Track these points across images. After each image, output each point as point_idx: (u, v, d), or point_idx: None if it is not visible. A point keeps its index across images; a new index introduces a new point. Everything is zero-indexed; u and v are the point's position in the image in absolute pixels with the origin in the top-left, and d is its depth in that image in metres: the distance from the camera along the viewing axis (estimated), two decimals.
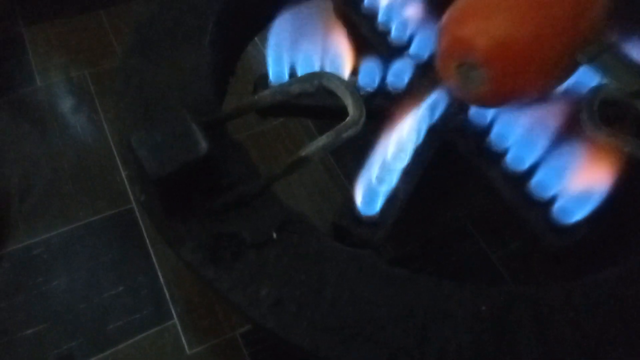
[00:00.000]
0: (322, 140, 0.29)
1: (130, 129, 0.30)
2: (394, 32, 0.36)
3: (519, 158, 0.30)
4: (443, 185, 0.41)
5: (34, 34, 0.55)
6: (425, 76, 0.34)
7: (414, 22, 0.36)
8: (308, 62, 0.33)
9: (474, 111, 0.32)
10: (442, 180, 0.40)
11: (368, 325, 0.24)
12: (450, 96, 0.32)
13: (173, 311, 0.38)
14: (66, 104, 0.50)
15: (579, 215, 0.28)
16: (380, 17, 0.37)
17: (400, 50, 0.36)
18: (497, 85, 0.28)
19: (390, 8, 0.37)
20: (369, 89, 0.34)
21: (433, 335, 0.24)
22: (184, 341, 0.37)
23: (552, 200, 0.29)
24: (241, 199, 0.27)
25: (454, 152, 0.33)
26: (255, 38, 0.42)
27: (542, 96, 0.30)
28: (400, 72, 0.34)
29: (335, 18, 0.39)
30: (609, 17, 0.29)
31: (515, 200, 0.30)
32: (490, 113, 0.32)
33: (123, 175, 0.45)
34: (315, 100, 0.33)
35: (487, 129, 0.32)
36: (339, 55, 0.33)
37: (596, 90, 0.30)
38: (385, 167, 0.30)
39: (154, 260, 0.41)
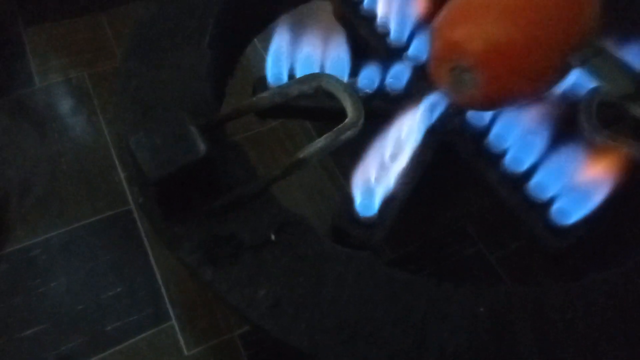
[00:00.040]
0: (320, 142, 0.29)
1: (129, 130, 0.30)
2: (392, 34, 0.36)
3: (517, 159, 0.30)
4: (441, 187, 0.41)
5: (33, 35, 0.55)
6: (424, 78, 0.34)
7: (412, 24, 0.36)
8: (307, 63, 0.33)
9: (472, 113, 0.33)
10: (441, 182, 0.40)
11: (366, 327, 0.24)
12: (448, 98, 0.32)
13: (171, 312, 0.38)
14: (65, 105, 0.50)
15: (577, 216, 0.29)
16: (379, 19, 0.37)
17: (399, 51, 0.36)
18: (490, 88, 0.28)
19: (388, 10, 0.37)
20: (368, 91, 0.34)
21: (431, 336, 0.24)
22: (182, 342, 0.37)
23: (550, 201, 0.29)
24: (239, 200, 0.27)
25: (452, 153, 0.33)
26: (255, 39, 0.42)
27: (535, 99, 0.30)
28: (399, 74, 0.34)
29: (334, 19, 0.39)
30: (601, 20, 0.28)
31: (513, 202, 0.30)
32: (488, 114, 0.32)
33: (122, 176, 0.45)
34: (314, 102, 0.33)
35: (486, 131, 0.32)
36: (337, 56, 0.33)
37: (594, 92, 0.30)
38: (383, 169, 0.30)
39: (153, 261, 0.41)
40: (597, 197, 0.28)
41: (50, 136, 0.48)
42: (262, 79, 0.34)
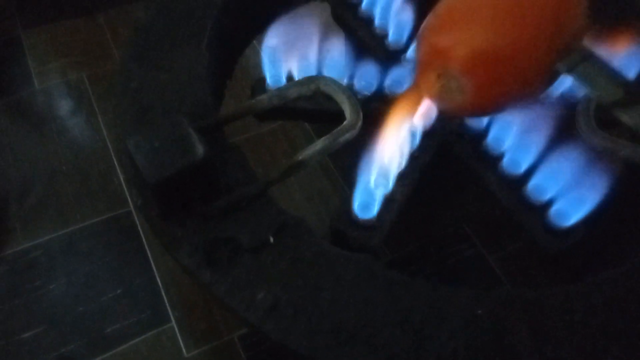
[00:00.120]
0: (319, 144, 0.29)
1: (128, 132, 0.30)
2: (390, 36, 0.37)
3: (515, 162, 0.30)
4: (440, 189, 0.41)
5: (32, 36, 0.55)
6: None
7: (410, 26, 0.36)
8: (305, 65, 0.33)
9: None
10: (440, 184, 0.40)
11: (365, 329, 0.24)
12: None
13: (171, 314, 0.38)
14: (64, 107, 0.50)
15: (575, 218, 0.29)
16: (377, 21, 0.37)
17: (397, 54, 0.36)
18: (476, 95, 0.28)
19: (386, 12, 0.37)
20: (366, 93, 0.34)
21: (429, 339, 0.24)
22: (181, 344, 0.37)
23: (548, 203, 0.29)
24: (238, 203, 0.27)
25: (451, 155, 0.33)
26: (254, 41, 0.42)
27: (523, 105, 0.30)
28: (398, 76, 0.34)
29: (333, 22, 0.39)
30: (589, 25, 0.28)
31: (512, 204, 0.30)
32: (486, 117, 0.32)
33: (121, 178, 0.45)
34: (313, 104, 0.33)
35: (484, 133, 0.32)
36: (336, 59, 0.34)
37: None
38: (382, 171, 0.30)
39: (152, 263, 0.41)
40: (595, 200, 0.28)
41: (49, 137, 0.48)
42: (261, 81, 0.34)
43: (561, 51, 0.28)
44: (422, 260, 0.40)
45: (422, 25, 0.30)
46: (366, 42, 0.38)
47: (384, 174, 0.30)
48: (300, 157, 0.28)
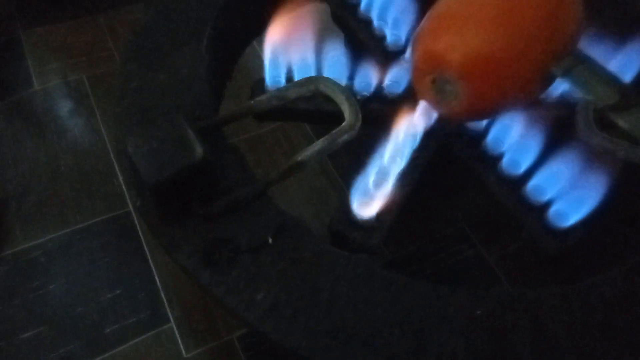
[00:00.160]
0: (318, 145, 0.29)
1: (127, 133, 0.30)
2: (389, 37, 0.37)
3: (515, 162, 0.30)
4: (440, 189, 0.41)
5: (32, 37, 0.55)
6: None
7: (409, 27, 0.36)
8: (305, 66, 0.33)
9: None
10: (439, 184, 0.40)
11: (364, 330, 0.24)
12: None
13: (170, 314, 0.38)
14: (64, 108, 0.50)
15: (574, 218, 0.29)
16: (376, 22, 0.37)
17: (396, 54, 0.36)
18: (472, 100, 0.28)
19: (385, 13, 0.37)
20: (366, 93, 0.34)
21: (429, 339, 0.24)
22: (181, 344, 0.37)
23: (548, 203, 0.29)
24: (237, 203, 0.27)
25: (450, 155, 0.33)
26: (254, 42, 0.42)
27: (518, 109, 0.30)
28: (397, 77, 0.34)
29: (332, 23, 0.39)
30: (584, 28, 0.28)
31: (512, 204, 0.30)
32: (482, 121, 0.32)
33: (120, 178, 0.45)
34: (312, 104, 0.33)
35: (483, 133, 0.32)
36: (335, 59, 0.34)
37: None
38: (381, 171, 0.30)
39: (151, 263, 0.41)
40: (594, 200, 0.28)
41: (49, 138, 0.48)
42: (261, 81, 0.34)
43: (556, 54, 0.28)
44: (422, 260, 0.40)
45: (417, 30, 0.30)
46: (365, 42, 0.38)
47: (383, 174, 0.30)
48: (299, 158, 0.28)
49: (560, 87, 0.31)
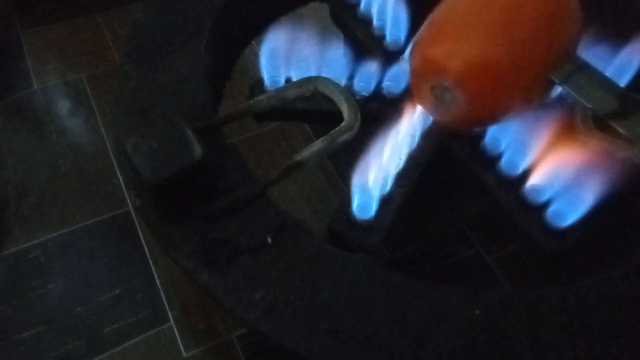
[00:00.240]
0: (317, 145, 0.29)
1: (126, 133, 0.30)
2: (389, 37, 0.37)
3: (513, 162, 0.30)
4: (438, 189, 0.41)
5: (31, 37, 0.55)
6: None
7: (408, 27, 0.36)
8: (304, 66, 0.33)
9: None
10: (438, 184, 0.40)
11: (363, 329, 0.24)
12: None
13: (169, 314, 0.38)
14: (63, 107, 0.50)
15: (573, 218, 0.29)
16: (376, 22, 0.37)
17: (395, 54, 0.36)
18: (471, 107, 0.28)
19: (384, 13, 0.37)
20: (365, 93, 0.34)
21: (427, 339, 0.24)
22: (180, 344, 0.37)
23: (546, 204, 0.29)
24: (236, 203, 0.27)
25: (449, 156, 0.33)
26: (253, 42, 0.42)
27: (517, 116, 0.30)
28: (396, 77, 0.34)
29: (332, 23, 0.39)
30: (583, 34, 0.28)
31: (510, 204, 0.30)
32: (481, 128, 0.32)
33: (120, 178, 0.45)
34: (311, 104, 0.33)
35: (482, 133, 0.32)
36: (335, 59, 0.34)
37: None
38: (380, 171, 0.30)
39: (151, 263, 0.41)
40: (593, 200, 0.28)
41: (48, 138, 0.48)
42: (260, 81, 0.34)
43: (555, 62, 0.28)
44: (421, 260, 0.40)
45: (415, 37, 0.29)
46: (365, 42, 0.38)
47: (382, 175, 0.30)
48: (298, 158, 0.28)
49: (558, 87, 0.31)
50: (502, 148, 0.31)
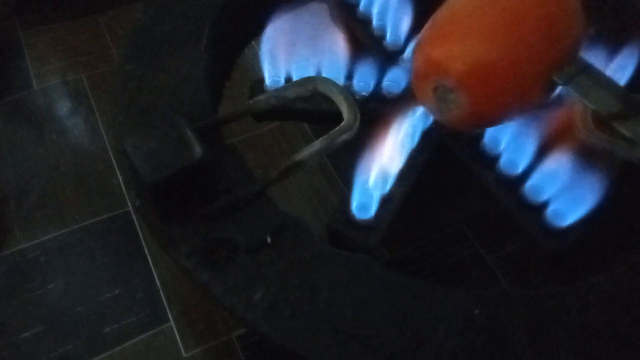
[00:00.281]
0: (316, 145, 0.29)
1: (125, 133, 0.30)
2: (388, 37, 0.37)
3: (512, 162, 0.30)
4: (438, 189, 0.41)
5: (31, 37, 0.55)
6: None
7: (408, 26, 0.36)
8: (304, 66, 0.33)
9: None
10: (437, 184, 0.40)
11: (363, 329, 0.24)
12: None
13: (169, 314, 0.38)
14: (63, 107, 0.50)
15: (572, 218, 0.29)
16: (375, 22, 0.37)
17: (395, 54, 0.36)
18: (473, 108, 0.28)
19: (384, 12, 0.37)
20: (364, 93, 0.34)
21: (427, 339, 0.24)
22: (180, 344, 0.37)
23: (546, 203, 0.29)
24: (236, 203, 0.27)
25: (448, 155, 0.33)
26: (253, 42, 0.42)
27: (520, 117, 0.30)
28: (396, 77, 0.34)
29: (331, 22, 0.39)
30: (586, 35, 0.28)
31: (510, 204, 0.30)
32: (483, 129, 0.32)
33: (120, 178, 0.45)
34: (311, 104, 0.33)
35: (481, 133, 0.32)
36: (334, 59, 0.34)
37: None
38: (380, 171, 0.30)
39: (151, 263, 0.41)
40: (592, 199, 0.28)
41: (48, 138, 0.48)
42: (260, 81, 0.34)
43: (558, 63, 0.27)
44: (421, 260, 0.40)
45: (418, 38, 0.29)
46: (364, 42, 0.38)
47: (382, 174, 0.30)
48: (298, 158, 0.28)
49: (558, 88, 0.31)
50: (501, 148, 0.31)
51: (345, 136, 0.29)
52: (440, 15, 0.29)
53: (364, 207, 0.29)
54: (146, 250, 0.41)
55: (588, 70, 0.28)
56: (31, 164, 0.46)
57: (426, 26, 0.29)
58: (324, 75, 0.33)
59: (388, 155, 0.30)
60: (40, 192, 0.44)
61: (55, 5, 0.57)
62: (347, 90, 0.31)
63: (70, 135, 0.48)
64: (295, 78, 0.33)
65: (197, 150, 0.25)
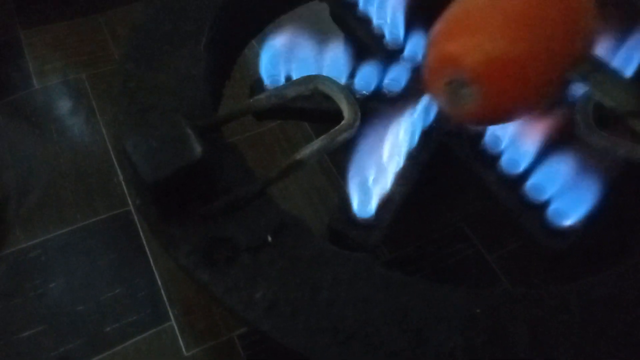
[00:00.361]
0: (317, 144, 0.29)
1: (126, 133, 0.30)
2: (388, 35, 0.37)
3: (513, 161, 0.30)
4: (439, 188, 0.41)
5: (31, 36, 0.55)
6: (420, 79, 0.34)
7: (407, 25, 0.36)
8: (304, 65, 0.33)
9: None
10: (438, 183, 0.40)
11: (363, 328, 0.24)
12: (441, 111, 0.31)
13: (170, 313, 0.38)
14: (63, 107, 0.50)
15: (574, 217, 0.29)
16: (375, 21, 0.37)
17: (396, 53, 0.36)
18: (488, 103, 0.27)
19: (383, 11, 0.37)
20: (365, 92, 0.34)
21: (428, 338, 0.24)
22: (181, 343, 0.37)
23: (547, 202, 0.29)
24: (236, 202, 0.27)
25: (449, 154, 0.33)
26: (253, 41, 0.42)
27: (533, 114, 0.29)
28: (396, 75, 0.34)
29: (332, 21, 0.39)
30: (599, 32, 0.28)
31: (511, 203, 0.30)
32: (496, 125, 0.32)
33: (120, 177, 0.45)
34: (311, 103, 0.33)
35: (482, 132, 0.32)
36: (335, 58, 0.34)
37: (590, 93, 0.30)
38: (380, 170, 0.30)
39: (152, 262, 0.41)
40: (594, 199, 0.28)
41: (48, 137, 0.48)
42: (260, 80, 0.34)
43: (574, 58, 0.27)
44: (421, 259, 0.40)
45: (432, 31, 0.29)
46: (365, 41, 0.38)
47: (382, 174, 0.30)
48: (298, 157, 0.28)
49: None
50: (502, 147, 0.31)
51: (345, 135, 0.29)
52: (455, 8, 0.28)
53: (364, 206, 0.29)
54: (147, 249, 0.41)
55: (603, 67, 0.28)
56: (31, 163, 0.46)
57: (440, 19, 0.28)
58: (324, 74, 0.33)
59: (388, 154, 0.30)
60: (41, 192, 0.44)
61: (55, 5, 0.57)
62: (348, 89, 0.31)
63: (71, 134, 0.48)
64: (295, 77, 0.33)
65: (197, 149, 0.25)
